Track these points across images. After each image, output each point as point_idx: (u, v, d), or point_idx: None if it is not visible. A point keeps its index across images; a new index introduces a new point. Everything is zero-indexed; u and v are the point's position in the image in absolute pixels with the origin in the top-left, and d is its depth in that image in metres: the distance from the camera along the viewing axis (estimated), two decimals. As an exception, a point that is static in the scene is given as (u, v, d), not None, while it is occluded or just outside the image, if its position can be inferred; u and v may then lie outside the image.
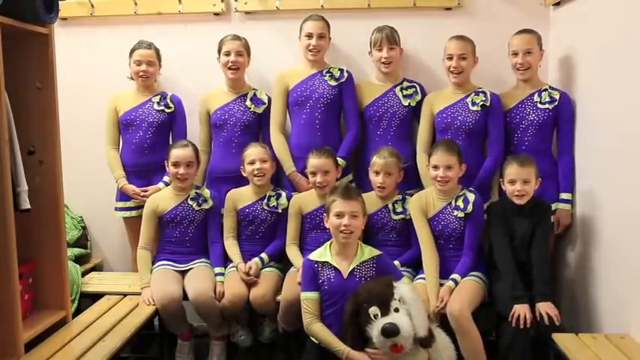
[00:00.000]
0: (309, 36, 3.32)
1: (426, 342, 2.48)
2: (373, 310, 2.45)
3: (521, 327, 2.67)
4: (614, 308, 2.74)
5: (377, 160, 3.11)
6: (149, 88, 3.48)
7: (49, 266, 2.84)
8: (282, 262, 3.29)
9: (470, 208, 2.99)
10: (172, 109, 3.47)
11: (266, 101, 3.43)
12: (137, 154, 3.44)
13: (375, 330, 2.42)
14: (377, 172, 3.12)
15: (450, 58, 3.21)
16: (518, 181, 2.88)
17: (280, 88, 3.41)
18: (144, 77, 3.42)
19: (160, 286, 3.07)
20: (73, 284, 3.18)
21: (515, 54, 3.16)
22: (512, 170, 2.90)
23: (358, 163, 3.47)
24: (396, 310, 2.45)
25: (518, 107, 3.20)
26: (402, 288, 2.54)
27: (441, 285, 2.95)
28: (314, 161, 3.14)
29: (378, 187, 3.14)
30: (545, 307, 2.70)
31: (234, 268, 3.18)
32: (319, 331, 2.65)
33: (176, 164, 3.21)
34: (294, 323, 2.92)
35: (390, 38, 3.27)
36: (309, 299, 2.71)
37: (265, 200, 3.26)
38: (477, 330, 2.76)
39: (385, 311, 2.44)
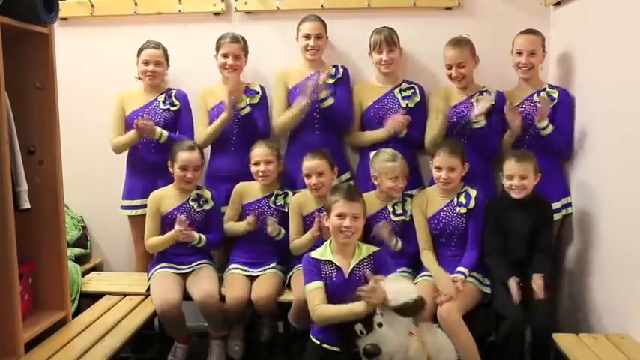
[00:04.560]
0: (307, 37, 3.32)
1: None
2: (358, 326, 2.51)
3: (515, 298, 2.72)
4: (614, 308, 2.74)
5: (389, 165, 3.08)
6: (156, 88, 3.48)
7: (49, 266, 2.84)
8: (283, 264, 3.28)
9: (472, 203, 3.01)
10: (178, 106, 3.46)
11: (259, 90, 3.43)
12: (144, 153, 3.43)
13: (361, 349, 2.47)
14: (395, 178, 3.09)
15: (450, 67, 3.21)
16: (515, 176, 2.90)
17: (281, 84, 3.43)
18: (151, 77, 3.42)
19: (159, 292, 3.06)
20: (73, 284, 3.18)
21: (520, 53, 3.16)
22: (509, 166, 2.92)
23: (359, 164, 3.47)
24: (380, 324, 2.48)
25: (520, 106, 3.19)
26: (389, 288, 2.54)
27: None
28: (307, 163, 3.14)
29: (391, 188, 3.11)
30: (537, 278, 2.76)
31: (235, 270, 3.19)
32: (326, 310, 2.60)
33: (184, 168, 3.18)
34: (307, 322, 2.85)
35: (389, 40, 3.27)
36: (313, 289, 2.67)
37: (272, 198, 3.26)
38: (467, 332, 2.76)
39: (369, 328, 2.48)
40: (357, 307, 2.52)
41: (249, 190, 3.30)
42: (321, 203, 3.10)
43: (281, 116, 3.38)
